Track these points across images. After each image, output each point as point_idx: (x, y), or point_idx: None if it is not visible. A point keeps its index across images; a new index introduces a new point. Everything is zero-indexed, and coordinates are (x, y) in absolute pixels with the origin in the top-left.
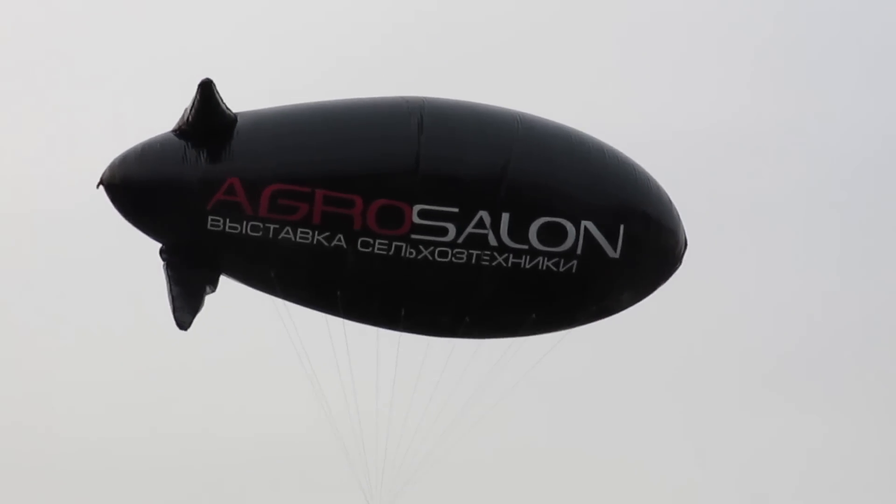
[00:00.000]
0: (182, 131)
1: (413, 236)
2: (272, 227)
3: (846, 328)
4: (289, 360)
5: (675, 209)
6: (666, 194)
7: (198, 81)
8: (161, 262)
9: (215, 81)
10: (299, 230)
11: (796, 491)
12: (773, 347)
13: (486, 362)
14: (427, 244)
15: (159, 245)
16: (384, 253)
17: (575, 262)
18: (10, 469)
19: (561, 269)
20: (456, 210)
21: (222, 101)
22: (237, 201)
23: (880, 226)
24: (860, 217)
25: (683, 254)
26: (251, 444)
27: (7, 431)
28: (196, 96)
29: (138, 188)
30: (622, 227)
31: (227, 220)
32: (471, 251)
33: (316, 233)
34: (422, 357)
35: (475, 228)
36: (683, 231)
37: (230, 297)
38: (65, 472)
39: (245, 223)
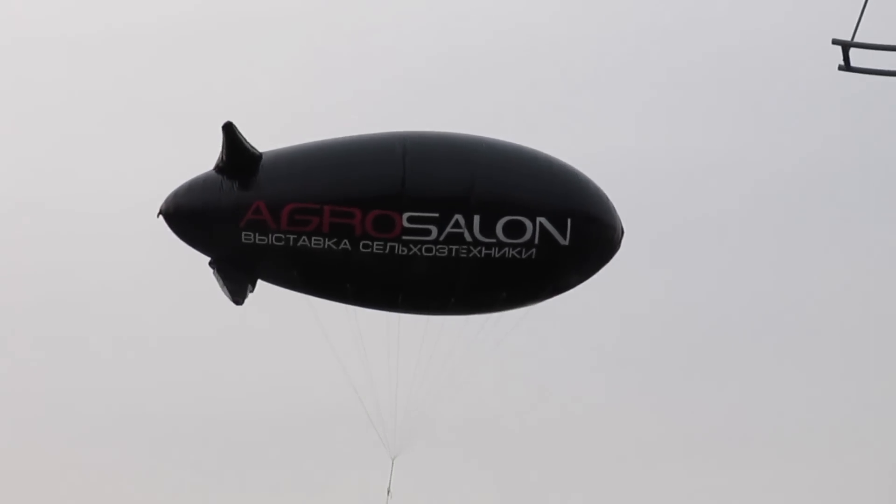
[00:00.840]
0: (219, 168)
1: (404, 237)
2: (292, 237)
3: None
4: (317, 341)
5: (613, 206)
6: (604, 194)
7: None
8: (211, 270)
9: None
10: (313, 238)
11: None
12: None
13: (472, 332)
14: (415, 243)
15: (208, 258)
16: (381, 252)
17: (534, 250)
18: None
19: (523, 257)
20: (437, 215)
21: (245, 140)
22: (263, 219)
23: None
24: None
25: (620, 241)
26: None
27: None
28: (223, 137)
29: (188, 215)
30: (569, 220)
31: (257, 234)
32: (450, 246)
33: (326, 239)
34: (422, 332)
35: (453, 228)
36: (620, 223)
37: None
38: None
39: (270, 235)
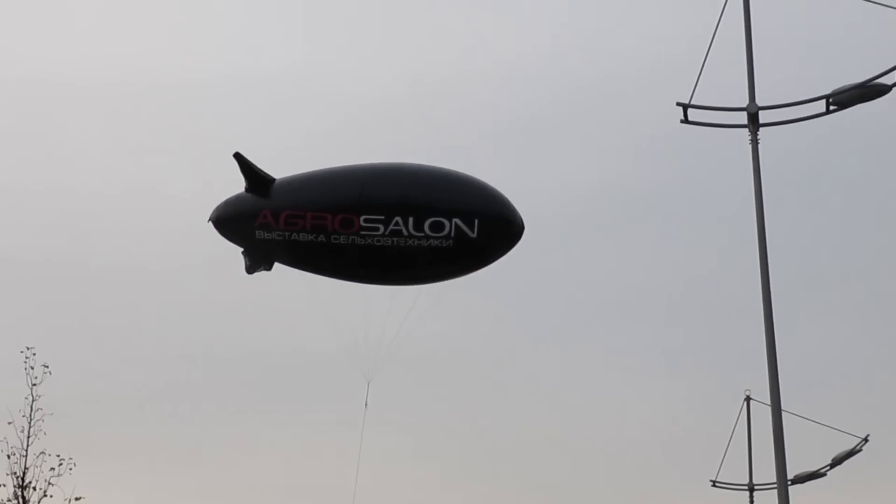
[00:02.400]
0: (247, 189)
1: (361, 232)
2: (287, 233)
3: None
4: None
5: (513, 207)
6: (506, 199)
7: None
8: (241, 253)
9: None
10: (300, 234)
11: None
12: None
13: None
14: (368, 237)
15: (240, 248)
16: (346, 242)
17: (451, 241)
18: None
19: (444, 245)
20: (383, 217)
21: (256, 167)
22: (267, 222)
23: None
24: None
25: (520, 235)
26: None
27: None
28: (237, 163)
29: (225, 220)
30: (476, 220)
31: (264, 232)
32: (393, 238)
33: (308, 234)
34: (387, 296)
35: (394, 226)
36: (520, 220)
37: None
38: None
39: (273, 232)
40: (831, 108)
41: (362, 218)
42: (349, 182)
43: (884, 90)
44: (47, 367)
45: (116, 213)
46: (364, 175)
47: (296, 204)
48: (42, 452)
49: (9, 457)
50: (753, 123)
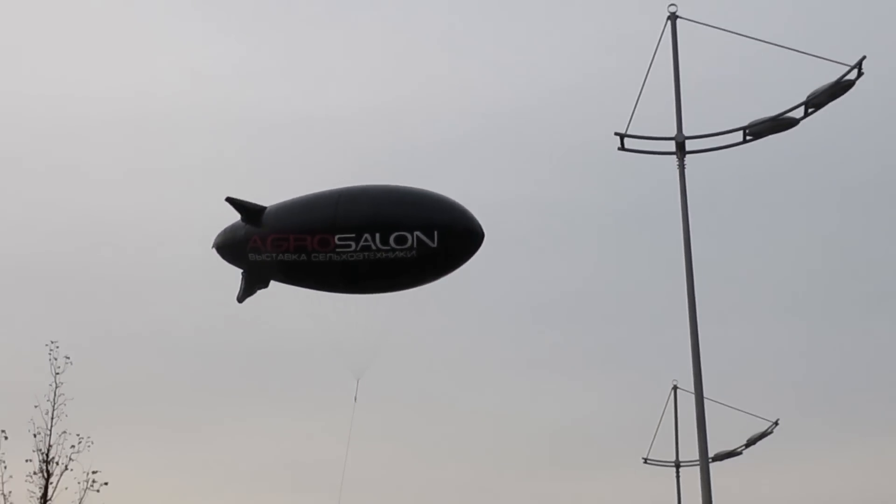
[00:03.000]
0: (242, 219)
1: (337, 250)
2: (274, 254)
3: None
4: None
5: (472, 217)
6: (466, 212)
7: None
8: (241, 273)
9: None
10: (285, 254)
11: None
12: None
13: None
14: (343, 253)
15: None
16: (325, 260)
17: (414, 252)
18: None
19: (408, 256)
20: (354, 235)
21: (245, 202)
22: (257, 245)
23: None
24: None
25: (480, 242)
26: None
27: None
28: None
29: (224, 246)
30: (435, 232)
31: (256, 255)
32: (364, 253)
33: (292, 254)
34: (374, 301)
35: (364, 243)
36: (479, 228)
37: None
38: None
39: (262, 254)
40: (748, 137)
41: (336, 237)
42: (324, 205)
43: (793, 123)
44: (68, 358)
45: (140, 229)
46: (337, 198)
47: (280, 228)
48: (64, 432)
49: (35, 436)
50: (681, 151)
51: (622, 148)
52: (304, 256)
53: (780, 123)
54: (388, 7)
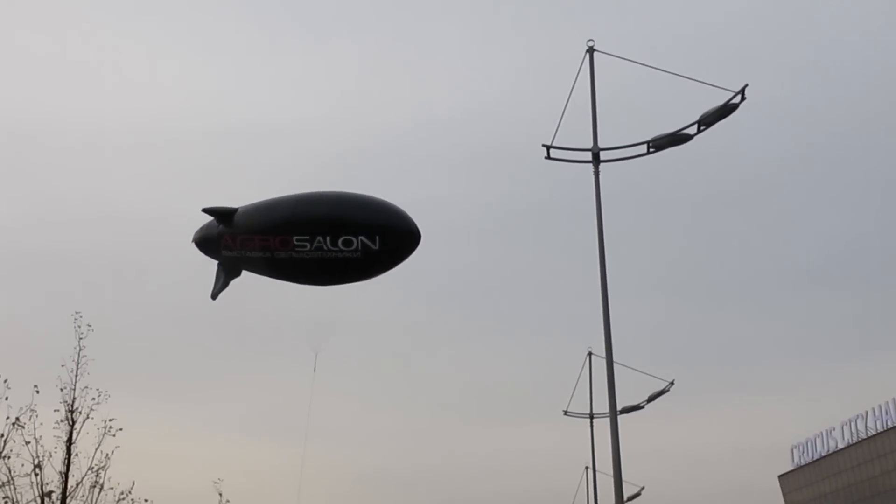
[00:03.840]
0: (216, 220)
1: (295, 249)
2: (244, 252)
3: None
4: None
5: (410, 222)
6: (405, 215)
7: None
8: (217, 265)
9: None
10: (252, 252)
11: None
12: None
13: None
14: (300, 252)
15: (216, 261)
16: (286, 257)
17: (359, 253)
18: None
19: (354, 257)
20: (309, 237)
21: (218, 208)
22: (228, 243)
23: None
24: None
25: (417, 242)
26: None
27: None
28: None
29: (202, 241)
30: (377, 236)
31: (227, 251)
32: (316, 253)
33: (258, 252)
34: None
35: (317, 244)
36: (416, 230)
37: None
38: None
39: (233, 251)
40: (651, 150)
41: (294, 238)
42: (285, 209)
43: (688, 138)
44: (90, 325)
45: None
46: (296, 203)
47: (247, 229)
48: (86, 387)
49: (61, 390)
50: (596, 160)
51: (548, 157)
52: (268, 254)
53: (677, 138)
54: (353, 34)
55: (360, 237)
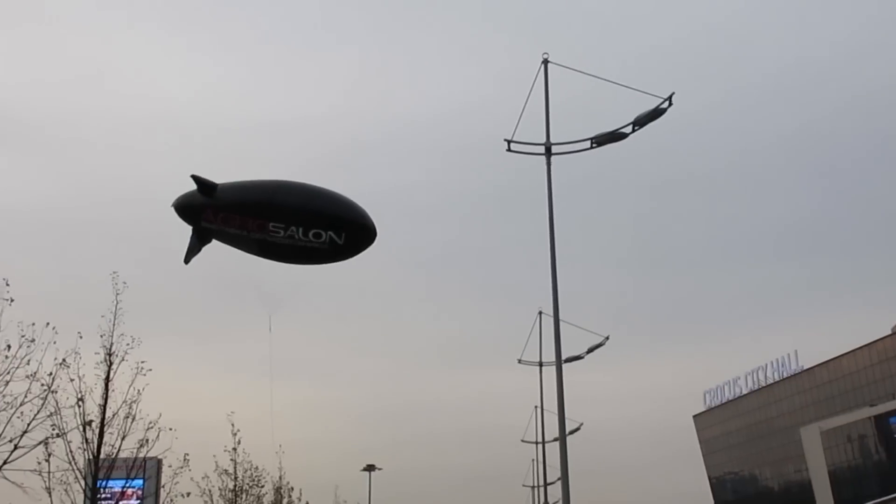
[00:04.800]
0: (199, 189)
1: (270, 234)
2: (223, 228)
3: None
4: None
5: (368, 218)
6: (363, 211)
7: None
8: (192, 230)
9: (200, 172)
10: (232, 229)
11: None
12: None
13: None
14: (274, 237)
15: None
16: (262, 239)
17: (326, 245)
18: None
19: (321, 248)
20: (283, 225)
21: (204, 179)
22: (209, 218)
23: None
24: None
25: (374, 238)
26: None
27: None
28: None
29: (181, 208)
30: (343, 231)
31: (207, 224)
32: (289, 240)
33: (237, 230)
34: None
35: (290, 232)
36: (373, 228)
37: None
38: None
39: (212, 224)
40: (593, 145)
41: (270, 224)
42: (264, 193)
43: (624, 136)
44: (125, 283)
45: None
46: (275, 189)
47: (228, 208)
48: (122, 334)
49: (101, 336)
50: (548, 153)
51: (509, 150)
52: (245, 232)
53: (615, 136)
54: (346, 45)
55: (329, 232)
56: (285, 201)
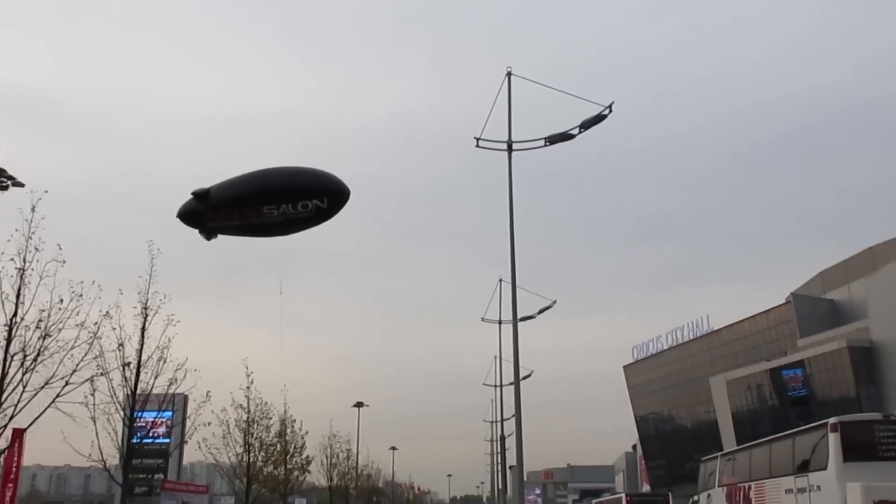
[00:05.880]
0: (196, 199)
1: (265, 216)
2: (225, 223)
3: None
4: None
5: (343, 184)
6: (338, 180)
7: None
8: (199, 231)
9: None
10: (233, 221)
11: None
12: None
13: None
14: (269, 217)
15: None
16: (260, 222)
17: (313, 212)
18: None
19: (311, 214)
20: (276, 206)
21: (199, 189)
22: (213, 217)
23: None
24: None
25: (349, 197)
26: None
27: None
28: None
29: (185, 214)
30: (325, 197)
31: (210, 221)
32: (282, 217)
33: (237, 221)
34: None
35: (283, 209)
36: (347, 189)
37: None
38: None
39: (216, 223)
40: (546, 143)
41: (265, 208)
42: (254, 184)
43: (572, 136)
44: (160, 249)
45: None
46: (263, 178)
47: (227, 204)
48: (156, 292)
49: (138, 293)
50: (510, 149)
51: (478, 146)
52: (245, 221)
53: (565, 136)
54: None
55: (314, 200)
56: (273, 185)
